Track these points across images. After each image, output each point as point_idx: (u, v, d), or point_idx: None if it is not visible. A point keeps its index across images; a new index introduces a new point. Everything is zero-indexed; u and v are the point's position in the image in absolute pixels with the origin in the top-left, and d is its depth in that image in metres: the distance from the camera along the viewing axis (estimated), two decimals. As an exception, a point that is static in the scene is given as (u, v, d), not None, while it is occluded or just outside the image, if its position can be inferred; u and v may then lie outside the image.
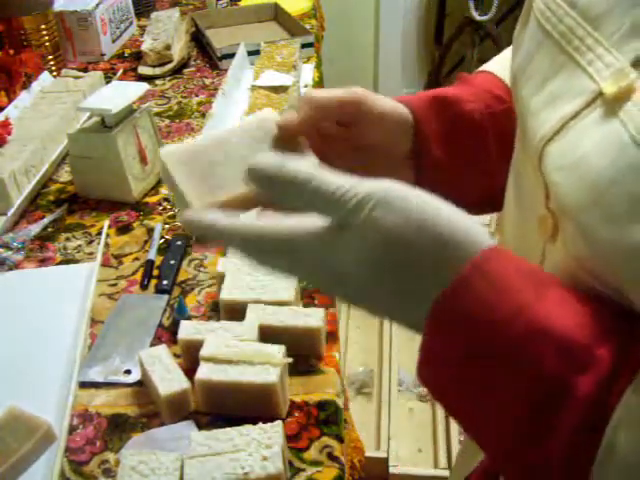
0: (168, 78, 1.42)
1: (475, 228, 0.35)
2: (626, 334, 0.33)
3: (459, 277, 0.33)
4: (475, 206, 0.53)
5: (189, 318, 0.77)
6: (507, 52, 0.58)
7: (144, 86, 1.04)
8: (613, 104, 0.32)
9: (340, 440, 0.65)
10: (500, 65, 0.59)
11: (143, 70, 1.43)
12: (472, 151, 0.54)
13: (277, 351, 0.67)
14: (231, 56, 1.36)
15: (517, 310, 0.33)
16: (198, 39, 1.59)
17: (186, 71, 1.46)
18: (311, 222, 0.36)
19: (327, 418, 0.67)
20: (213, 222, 0.38)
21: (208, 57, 1.51)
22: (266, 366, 0.65)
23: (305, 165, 0.37)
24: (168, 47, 1.44)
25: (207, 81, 1.41)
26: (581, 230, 0.33)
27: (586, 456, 0.31)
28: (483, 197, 0.55)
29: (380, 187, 0.35)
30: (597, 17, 0.34)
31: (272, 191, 0.37)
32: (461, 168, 0.54)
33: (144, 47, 1.45)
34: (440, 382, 0.36)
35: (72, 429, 0.68)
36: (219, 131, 0.47)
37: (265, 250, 0.37)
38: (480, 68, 0.61)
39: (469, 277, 0.33)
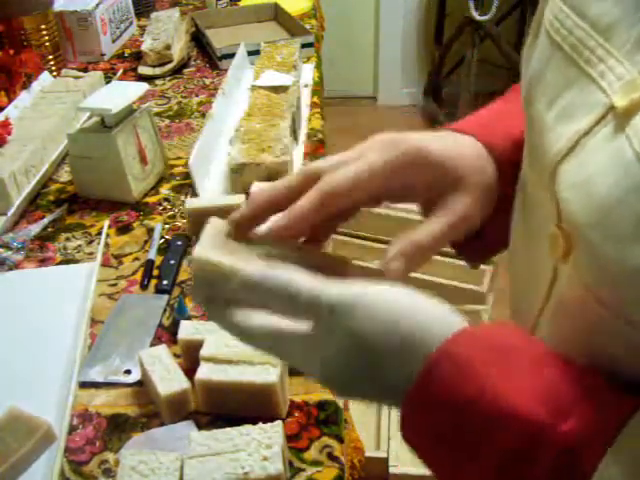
0: (168, 78, 1.42)
1: (443, 317, 0.36)
2: (601, 401, 0.32)
3: (428, 365, 0.35)
4: None
5: (189, 318, 0.77)
6: None
7: (144, 86, 1.04)
8: (623, 118, 0.30)
9: (340, 440, 0.65)
10: None
11: (143, 70, 1.43)
12: None
13: (277, 351, 0.67)
14: (231, 56, 1.36)
15: (480, 392, 0.33)
16: (198, 39, 1.59)
17: (186, 71, 1.46)
18: (297, 326, 0.39)
19: (327, 418, 0.67)
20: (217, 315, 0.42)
21: (208, 57, 1.51)
22: (266, 366, 0.65)
23: (284, 273, 0.39)
24: (168, 47, 1.44)
25: (207, 81, 1.41)
26: (588, 249, 0.33)
27: None
28: None
29: (349, 294, 0.37)
30: (608, 27, 0.33)
31: (255, 296, 0.40)
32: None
33: (144, 47, 1.45)
34: (420, 452, 0.37)
35: (72, 429, 0.68)
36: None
37: (260, 347, 0.41)
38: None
39: (437, 363, 0.35)
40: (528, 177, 0.43)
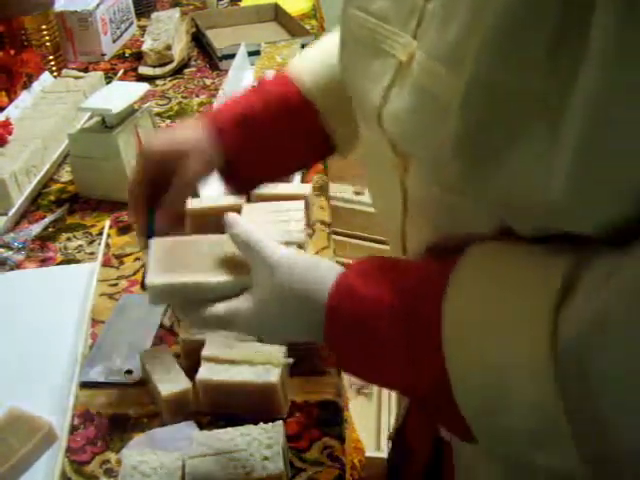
0: (169, 78, 1.42)
1: (329, 268, 0.51)
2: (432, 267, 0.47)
3: (330, 303, 0.49)
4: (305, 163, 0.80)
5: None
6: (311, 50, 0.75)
7: (145, 86, 1.04)
8: (406, 67, 0.45)
9: (341, 440, 0.65)
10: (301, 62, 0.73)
11: (144, 70, 1.43)
12: (274, 156, 0.70)
13: (278, 351, 0.67)
14: (231, 56, 1.36)
15: (358, 305, 0.48)
16: (198, 39, 1.59)
17: (187, 71, 1.46)
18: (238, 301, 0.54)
19: (328, 418, 0.67)
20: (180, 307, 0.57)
21: (208, 57, 1.51)
22: (267, 366, 0.66)
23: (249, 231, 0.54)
24: (168, 47, 1.44)
25: (208, 81, 1.41)
26: (413, 153, 0.47)
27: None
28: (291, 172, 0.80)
29: (277, 256, 0.52)
30: (385, 15, 0.49)
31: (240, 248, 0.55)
32: (268, 170, 0.72)
33: (144, 47, 1.45)
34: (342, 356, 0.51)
35: (73, 429, 0.68)
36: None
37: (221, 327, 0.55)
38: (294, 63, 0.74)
39: (338, 301, 0.49)
40: (362, 130, 0.58)
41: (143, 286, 0.86)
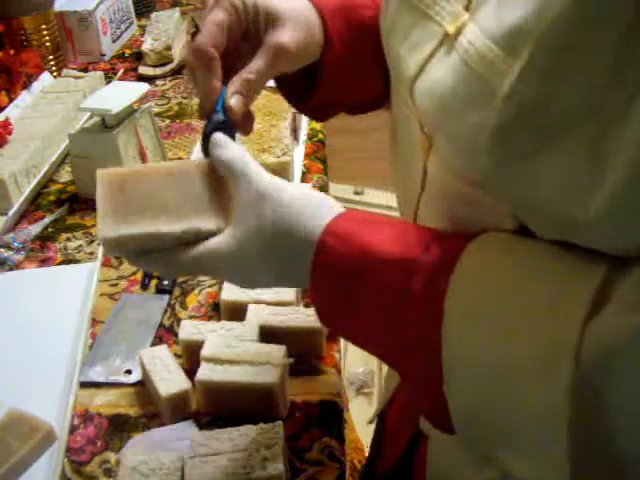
0: (169, 78, 1.42)
1: (324, 203, 0.48)
2: (444, 242, 0.44)
3: (319, 244, 0.45)
4: (365, 104, 0.68)
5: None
6: None
7: (144, 86, 1.04)
8: (452, 40, 0.42)
9: (340, 440, 0.65)
10: None
11: (143, 70, 1.43)
12: (368, 53, 0.62)
13: (278, 351, 0.67)
14: (231, 56, 1.36)
15: (363, 252, 0.44)
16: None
17: (186, 71, 1.46)
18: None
19: (327, 418, 0.67)
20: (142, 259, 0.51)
21: (208, 57, 1.51)
22: (267, 366, 0.66)
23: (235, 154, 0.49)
24: (168, 47, 1.44)
25: (207, 81, 1.41)
26: (442, 134, 0.44)
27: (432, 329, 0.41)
28: (373, 96, 0.67)
29: (264, 184, 0.48)
30: None
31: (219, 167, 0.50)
32: (358, 69, 0.63)
33: (144, 47, 1.45)
34: (327, 313, 0.48)
35: (73, 429, 0.68)
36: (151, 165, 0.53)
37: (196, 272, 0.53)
38: None
39: (326, 241, 0.45)
40: (394, 101, 0.55)
41: (143, 286, 0.86)
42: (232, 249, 0.48)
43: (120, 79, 1.40)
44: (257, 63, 0.55)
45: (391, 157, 0.59)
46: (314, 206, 0.47)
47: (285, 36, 0.56)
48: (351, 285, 0.45)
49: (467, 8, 0.42)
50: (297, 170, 1.04)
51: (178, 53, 1.46)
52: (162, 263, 0.50)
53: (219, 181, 0.51)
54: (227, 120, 0.53)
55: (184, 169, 0.51)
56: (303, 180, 1.04)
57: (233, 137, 0.53)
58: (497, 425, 0.40)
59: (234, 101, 0.54)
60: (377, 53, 0.58)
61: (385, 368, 1.78)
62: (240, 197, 0.48)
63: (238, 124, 0.55)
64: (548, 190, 0.37)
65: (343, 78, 0.61)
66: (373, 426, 1.65)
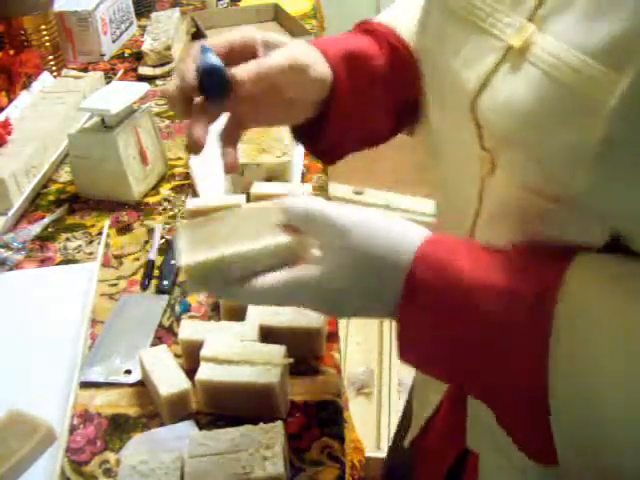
0: (168, 78, 1.42)
1: (412, 230, 0.46)
2: (542, 263, 0.42)
3: (410, 276, 0.43)
4: (374, 141, 0.67)
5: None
6: (399, 6, 0.69)
7: (144, 86, 1.04)
8: (521, 53, 0.41)
9: (340, 440, 0.65)
10: (391, 16, 0.68)
11: (143, 70, 1.43)
12: (373, 101, 0.63)
13: (278, 351, 0.67)
14: (231, 56, 1.36)
15: (459, 282, 0.42)
16: (198, 39, 1.59)
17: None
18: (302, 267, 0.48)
19: (327, 418, 0.67)
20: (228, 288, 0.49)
21: (208, 57, 1.51)
22: (267, 366, 0.65)
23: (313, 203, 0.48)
24: (168, 47, 1.44)
25: (207, 81, 1.41)
26: (521, 150, 0.42)
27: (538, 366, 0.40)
28: (381, 134, 0.67)
29: (347, 219, 0.46)
30: None
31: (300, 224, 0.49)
32: (364, 115, 0.63)
33: (144, 47, 1.45)
34: (415, 346, 0.46)
35: (73, 429, 0.68)
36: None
37: (275, 301, 0.50)
38: (377, 19, 0.69)
39: (417, 272, 0.43)
40: (439, 117, 0.54)
41: (143, 286, 0.86)
42: (320, 282, 0.46)
43: (120, 79, 1.40)
44: (269, 58, 0.56)
45: (432, 174, 0.57)
46: (400, 235, 0.45)
47: (296, 50, 0.57)
48: (445, 317, 0.43)
49: (531, 18, 0.41)
50: (297, 170, 1.04)
51: (178, 53, 1.46)
52: (247, 291, 0.48)
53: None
54: (220, 68, 0.54)
55: (256, 209, 0.53)
56: (303, 180, 1.03)
57: (220, 93, 0.54)
58: (605, 462, 0.39)
59: (239, 71, 0.54)
60: (385, 97, 0.60)
61: (385, 369, 1.78)
62: (324, 236, 0.47)
63: (237, 94, 0.55)
64: None
65: (350, 118, 0.61)
66: (373, 426, 1.63)
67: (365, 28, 0.65)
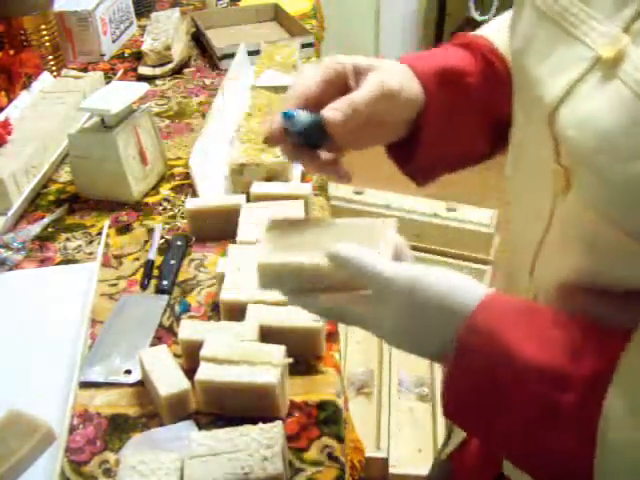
0: (168, 78, 1.42)
1: (472, 288, 0.44)
2: (602, 341, 0.40)
3: (460, 339, 0.43)
4: (471, 160, 0.64)
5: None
6: (499, 20, 0.64)
7: (144, 86, 1.04)
8: (611, 66, 0.38)
9: (340, 440, 0.65)
10: (491, 29, 0.64)
11: (143, 70, 1.43)
12: (467, 119, 0.60)
13: (277, 351, 0.67)
14: (231, 56, 1.36)
15: (507, 355, 0.41)
16: (198, 39, 1.59)
17: (186, 71, 1.46)
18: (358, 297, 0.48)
19: (327, 418, 0.67)
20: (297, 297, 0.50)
21: (208, 57, 1.51)
22: (266, 366, 0.65)
23: (369, 256, 0.46)
24: (168, 47, 1.44)
25: (207, 81, 1.41)
26: (596, 173, 0.39)
27: (583, 456, 0.39)
28: (479, 154, 0.64)
29: (406, 274, 0.45)
30: None
31: (345, 271, 0.47)
32: (457, 134, 0.61)
33: (144, 47, 1.45)
34: (463, 414, 0.45)
35: (72, 429, 0.68)
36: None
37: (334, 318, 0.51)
38: (477, 32, 0.65)
39: (466, 339, 0.43)
40: (522, 125, 0.51)
41: (143, 286, 0.86)
42: (383, 324, 0.47)
43: (120, 79, 1.39)
44: (359, 91, 0.53)
45: (511, 182, 0.55)
46: (454, 293, 0.44)
47: (385, 74, 0.54)
48: (490, 389, 0.42)
49: (627, 29, 0.38)
50: (297, 170, 1.04)
51: (178, 53, 1.46)
52: (312, 303, 0.50)
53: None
54: (318, 121, 0.52)
55: (344, 223, 0.53)
56: (303, 180, 1.03)
57: (320, 143, 0.53)
58: None
59: (332, 114, 0.51)
60: (480, 115, 0.58)
61: (385, 369, 1.77)
62: (386, 291, 0.46)
63: (334, 140, 0.53)
64: None
65: (442, 136, 0.59)
66: (373, 426, 1.63)
67: (461, 41, 0.62)
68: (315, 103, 0.53)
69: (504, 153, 0.63)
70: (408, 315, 0.45)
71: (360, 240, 0.49)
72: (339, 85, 0.55)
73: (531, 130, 0.48)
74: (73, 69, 1.40)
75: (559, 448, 0.40)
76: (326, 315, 0.52)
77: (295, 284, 0.50)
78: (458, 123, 0.59)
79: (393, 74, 0.55)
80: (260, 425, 0.61)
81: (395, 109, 0.55)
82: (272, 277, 0.50)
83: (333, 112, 0.51)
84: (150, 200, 1.03)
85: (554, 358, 0.40)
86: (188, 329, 0.72)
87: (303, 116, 0.52)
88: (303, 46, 1.41)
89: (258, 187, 0.93)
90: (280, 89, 1.17)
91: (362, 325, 0.48)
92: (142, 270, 0.89)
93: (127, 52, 1.56)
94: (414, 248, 0.60)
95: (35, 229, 0.97)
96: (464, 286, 0.45)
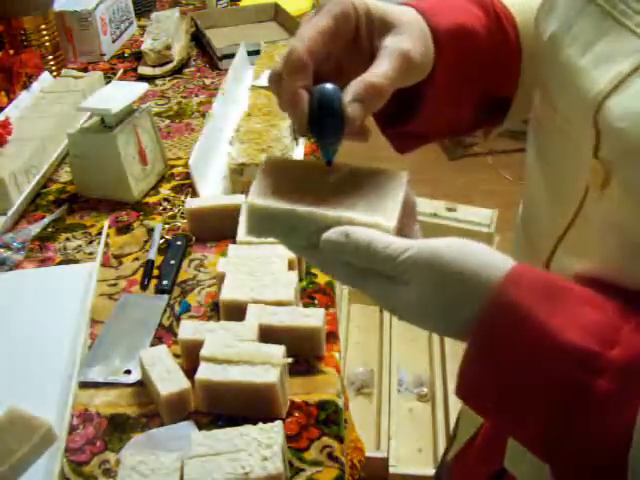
0: (168, 78, 1.42)
1: (497, 260, 0.41)
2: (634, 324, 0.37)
3: (484, 314, 0.39)
4: (461, 129, 0.60)
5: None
6: None
7: (144, 86, 1.04)
8: None
9: (340, 440, 0.65)
10: None
11: (143, 70, 1.43)
12: (464, 88, 0.56)
13: (277, 351, 0.67)
14: (231, 56, 1.36)
15: (535, 333, 0.38)
16: (198, 39, 1.59)
17: (186, 71, 1.46)
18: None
19: (327, 418, 0.67)
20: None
21: (208, 57, 1.51)
22: (266, 366, 0.65)
23: (362, 232, 0.42)
24: (168, 47, 1.44)
25: (207, 81, 1.41)
26: None
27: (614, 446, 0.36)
28: (450, 125, 0.59)
29: (426, 250, 0.41)
30: None
31: (342, 256, 0.43)
32: (454, 100, 0.56)
33: (144, 47, 1.45)
34: (482, 394, 0.42)
35: (72, 429, 0.68)
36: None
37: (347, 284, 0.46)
38: None
39: (492, 313, 0.39)
40: (546, 114, 0.49)
41: (142, 286, 0.86)
42: (409, 301, 0.43)
43: (120, 79, 1.40)
44: (382, 67, 0.46)
45: (530, 172, 0.53)
46: (478, 266, 0.41)
47: (408, 44, 0.47)
48: (515, 368, 0.40)
49: None
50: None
51: (178, 53, 1.46)
52: (320, 258, 0.45)
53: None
54: (336, 109, 0.45)
55: (364, 176, 0.48)
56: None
57: (340, 135, 0.46)
58: None
59: (354, 110, 0.44)
60: (474, 83, 0.54)
61: (385, 369, 1.77)
62: (401, 269, 0.42)
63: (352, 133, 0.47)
64: None
65: (439, 109, 0.55)
66: (373, 426, 1.63)
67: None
68: (322, 59, 0.48)
69: (486, 133, 0.62)
70: (426, 292, 0.41)
71: (364, 196, 0.44)
72: (349, 31, 0.48)
73: (559, 118, 0.46)
74: (73, 69, 1.40)
75: (588, 432, 0.37)
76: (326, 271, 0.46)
77: (287, 234, 0.45)
78: (458, 90, 0.55)
79: (415, 42, 0.48)
80: (260, 425, 0.61)
81: (408, 80, 0.50)
82: (261, 222, 0.45)
83: (355, 108, 0.45)
84: (150, 200, 1.03)
85: (586, 337, 0.37)
86: (188, 329, 0.72)
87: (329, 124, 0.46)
88: (303, 46, 1.41)
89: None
90: (280, 89, 1.17)
91: (371, 296, 0.45)
92: (142, 270, 0.89)
93: (127, 52, 1.56)
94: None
95: (35, 229, 0.97)
96: (489, 259, 0.41)
